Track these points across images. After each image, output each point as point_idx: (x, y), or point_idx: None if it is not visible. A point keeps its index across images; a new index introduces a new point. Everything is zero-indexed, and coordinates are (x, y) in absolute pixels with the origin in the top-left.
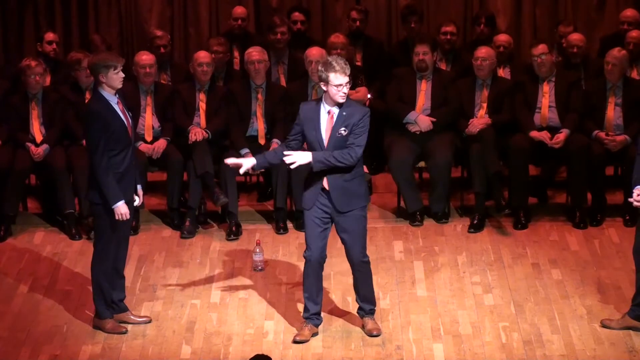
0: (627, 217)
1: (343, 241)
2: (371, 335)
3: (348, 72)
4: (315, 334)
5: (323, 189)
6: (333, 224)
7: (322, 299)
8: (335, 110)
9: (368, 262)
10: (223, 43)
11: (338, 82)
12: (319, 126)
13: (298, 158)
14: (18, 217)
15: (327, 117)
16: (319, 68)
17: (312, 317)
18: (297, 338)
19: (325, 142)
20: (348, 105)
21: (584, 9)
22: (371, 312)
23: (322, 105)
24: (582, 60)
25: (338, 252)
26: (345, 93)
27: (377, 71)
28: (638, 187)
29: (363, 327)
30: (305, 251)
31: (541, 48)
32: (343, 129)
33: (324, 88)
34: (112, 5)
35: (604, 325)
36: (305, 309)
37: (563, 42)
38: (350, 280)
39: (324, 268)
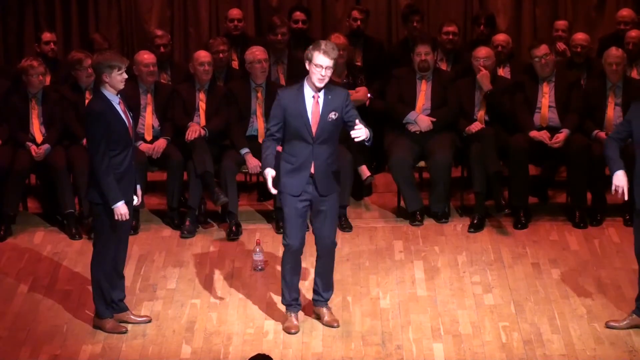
0: (627, 217)
1: (317, 224)
2: (332, 327)
3: (333, 56)
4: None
5: (310, 174)
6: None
7: (298, 284)
8: (320, 94)
9: (335, 246)
10: (226, 42)
11: (319, 62)
12: (306, 112)
13: (362, 133)
14: (18, 217)
15: (312, 102)
16: (309, 47)
17: (292, 304)
18: (292, 331)
19: (314, 127)
20: (329, 89)
21: (584, 8)
22: (327, 301)
23: (304, 90)
24: (585, 60)
25: (338, 251)
26: (323, 76)
27: (377, 71)
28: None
29: (319, 318)
30: (284, 239)
31: (543, 49)
32: (333, 112)
33: (307, 67)
34: (112, 5)
35: (609, 327)
36: (284, 296)
37: (560, 36)
38: (350, 280)
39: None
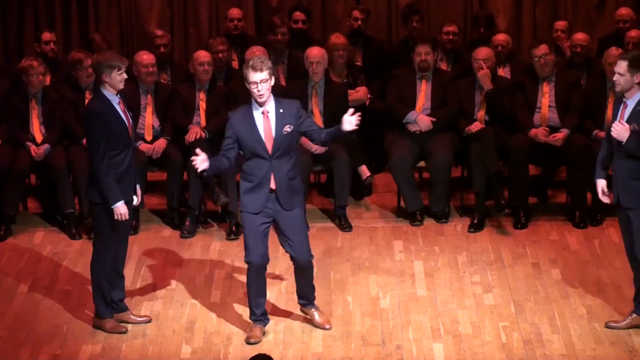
0: None
1: (288, 241)
2: (324, 329)
3: (265, 68)
4: (264, 334)
5: (270, 189)
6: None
7: (265, 300)
8: (270, 109)
9: (312, 259)
10: (226, 42)
11: (251, 79)
12: (257, 129)
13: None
14: (18, 217)
15: (262, 118)
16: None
17: (261, 319)
18: (252, 340)
19: (269, 143)
20: (279, 102)
21: (584, 8)
22: (314, 301)
23: (252, 108)
24: (585, 60)
25: (338, 251)
26: (259, 91)
27: (377, 71)
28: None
29: (310, 319)
30: (246, 256)
31: (543, 48)
32: (288, 126)
33: (248, 86)
34: (112, 5)
35: (609, 327)
36: (252, 313)
37: (560, 36)
38: (350, 280)
39: (266, 269)
